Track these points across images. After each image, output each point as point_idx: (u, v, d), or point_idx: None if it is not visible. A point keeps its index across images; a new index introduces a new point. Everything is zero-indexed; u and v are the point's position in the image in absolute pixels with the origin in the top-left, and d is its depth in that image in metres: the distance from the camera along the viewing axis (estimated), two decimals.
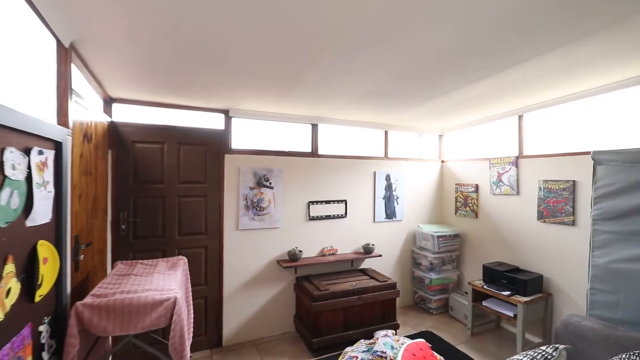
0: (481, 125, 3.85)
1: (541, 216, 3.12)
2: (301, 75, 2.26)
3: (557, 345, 1.61)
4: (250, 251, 3.26)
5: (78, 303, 1.48)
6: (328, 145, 3.72)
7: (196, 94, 2.69)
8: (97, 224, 2.36)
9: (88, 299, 1.52)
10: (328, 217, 3.62)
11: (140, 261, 2.25)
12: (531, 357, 1.56)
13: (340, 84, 2.47)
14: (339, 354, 2.47)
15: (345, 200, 3.72)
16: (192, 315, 2.21)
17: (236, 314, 3.21)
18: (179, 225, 2.98)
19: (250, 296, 3.26)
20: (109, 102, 2.78)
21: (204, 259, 3.08)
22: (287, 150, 3.47)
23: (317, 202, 3.56)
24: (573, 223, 2.86)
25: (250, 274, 3.26)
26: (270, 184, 3.32)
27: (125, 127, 2.81)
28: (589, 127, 2.85)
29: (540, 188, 3.13)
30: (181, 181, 2.98)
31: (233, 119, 3.23)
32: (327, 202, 3.62)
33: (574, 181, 2.86)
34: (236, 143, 3.26)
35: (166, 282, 1.79)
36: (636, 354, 1.61)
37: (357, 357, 2.21)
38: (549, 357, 1.55)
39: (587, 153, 2.75)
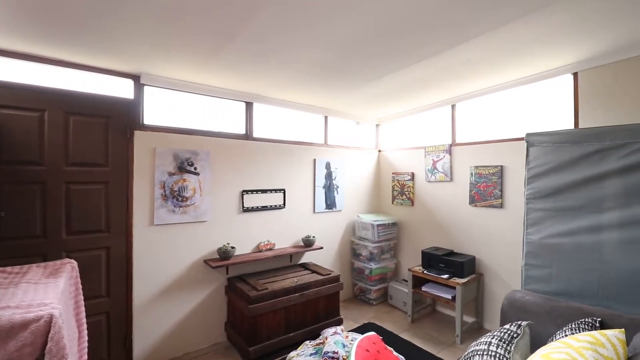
0: (416, 115, 3.91)
1: (472, 200, 3.26)
2: (232, 34, 1.89)
3: (519, 323, 1.55)
4: (169, 251, 2.67)
5: None
6: (265, 128, 3.32)
7: (93, 46, 2.04)
8: None
9: None
10: (265, 208, 3.23)
11: (2, 269, 1.56)
12: (499, 338, 1.47)
13: (276, 49, 2.13)
14: None
15: (284, 190, 3.37)
16: (86, 338, 1.62)
17: (152, 329, 2.59)
18: (68, 220, 2.26)
19: (170, 305, 2.68)
20: None
21: (105, 264, 2.40)
22: (216, 131, 2.96)
23: (252, 191, 3.14)
24: (501, 205, 3.03)
25: (169, 278, 2.68)
26: (195, 169, 2.79)
27: None
28: (514, 115, 3.06)
29: (471, 174, 3.27)
30: (71, 163, 2.27)
31: (146, 88, 2.60)
32: (264, 191, 3.22)
33: (501, 166, 3.03)
34: (150, 118, 2.64)
35: (39, 294, 1.21)
36: (582, 322, 1.66)
37: None
38: (515, 335, 1.48)
39: (513, 140, 2.95)
